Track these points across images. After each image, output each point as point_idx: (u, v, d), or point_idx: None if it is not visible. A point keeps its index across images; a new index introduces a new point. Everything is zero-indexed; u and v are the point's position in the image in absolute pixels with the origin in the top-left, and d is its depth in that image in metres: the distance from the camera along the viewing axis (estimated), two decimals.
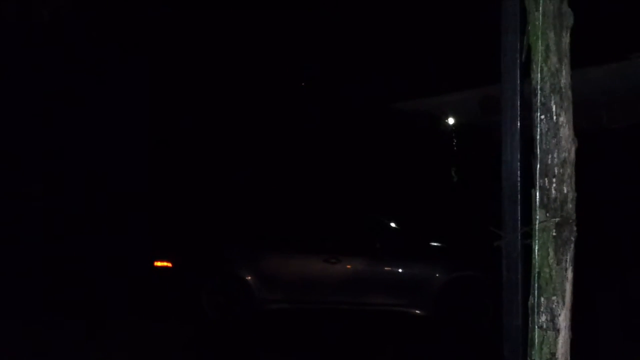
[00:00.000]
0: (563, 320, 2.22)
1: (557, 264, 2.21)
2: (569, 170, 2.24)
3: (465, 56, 12.16)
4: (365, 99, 15.06)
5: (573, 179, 2.25)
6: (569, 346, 2.25)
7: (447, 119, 9.69)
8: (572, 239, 2.23)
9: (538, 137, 2.24)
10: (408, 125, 13.18)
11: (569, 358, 2.25)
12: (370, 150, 15.27)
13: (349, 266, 9.68)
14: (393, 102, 10.03)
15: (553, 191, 2.23)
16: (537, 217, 2.23)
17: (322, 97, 15.90)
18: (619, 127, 8.13)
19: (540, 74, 2.24)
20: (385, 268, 9.74)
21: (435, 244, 10.31)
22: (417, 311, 9.50)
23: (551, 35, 2.25)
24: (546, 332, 2.22)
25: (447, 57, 13.65)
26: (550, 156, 2.23)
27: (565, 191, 2.23)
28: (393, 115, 11.09)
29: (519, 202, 2.32)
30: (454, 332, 9.16)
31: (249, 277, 9.66)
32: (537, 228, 2.23)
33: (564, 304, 2.22)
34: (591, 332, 7.05)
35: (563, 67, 2.25)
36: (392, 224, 10.44)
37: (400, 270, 9.73)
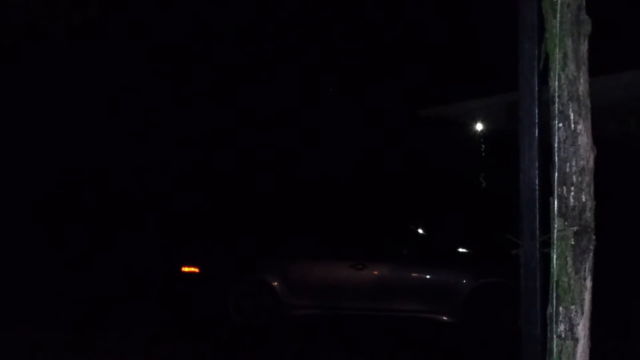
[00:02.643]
0: (582, 329, 2.20)
1: (576, 273, 2.19)
2: (587, 179, 2.22)
3: (493, 61, 12.10)
4: (392, 105, 15.04)
5: (592, 187, 2.23)
6: (588, 355, 2.22)
7: (474, 125, 9.63)
8: (591, 247, 2.21)
9: (556, 145, 2.23)
10: (435, 132, 13.15)
11: None
12: (397, 156, 15.24)
13: (375, 272, 9.67)
14: (420, 108, 10.00)
15: (571, 200, 2.21)
16: (555, 225, 2.21)
17: (350, 104, 15.91)
18: None
19: (558, 82, 2.23)
20: (412, 274, 9.72)
21: (462, 250, 10.26)
22: (445, 318, 9.46)
23: (569, 42, 2.23)
24: (565, 341, 2.19)
25: (473, 62, 13.59)
26: (568, 164, 2.21)
27: (583, 199, 2.21)
28: (420, 121, 11.06)
29: (537, 211, 2.31)
30: (482, 339, 9.10)
31: (276, 283, 9.70)
32: (555, 237, 2.21)
33: (582, 313, 2.20)
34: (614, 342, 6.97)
35: (581, 74, 2.23)
36: (419, 230, 10.41)
37: (427, 276, 9.70)
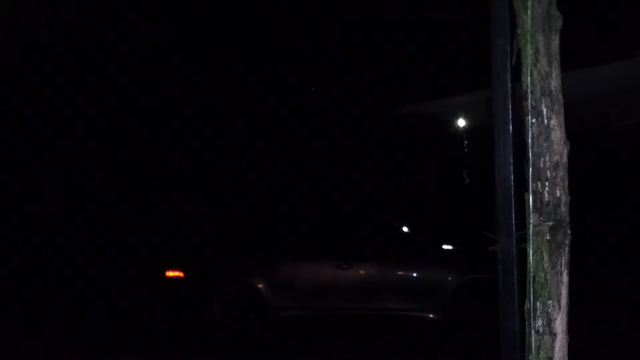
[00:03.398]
0: (559, 324, 2.21)
1: (552, 268, 2.20)
2: (561, 173, 2.22)
3: (473, 57, 12.13)
4: (374, 103, 15.04)
5: (566, 182, 2.24)
6: (566, 350, 2.23)
7: (455, 121, 9.63)
8: (567, 242, 2.22)
9: (530, 140, 2.23)
10: (417, 129, 13.16)
11: None
12: (380, 155, 15.25)
13: (361, 272, 9.67)
14: (402, 105, 9.99)
15: (546, 195, 2.21)
16: (531, 221, 2.22)
17: (331, 102, 15.90)
18: (627, 125, 8.07)
19: (531, 77, 2.24)
20: (398, 273, 9.73)
21: (447, 247, 10.28)
22: (430, 315, 9.48)
23: (540, 38, 2.24)
24: (543, 336, 2.20)
25: (454, 58, 13.62)
26: (542, 160, 2.22)
27: (558, 194, 2.22)
28: (402, 119, 11.07)
29: (512, 207, 2.31)
30: (468, 335, 9.11)
31: (261, 285, 9.67)
32: (531, 232, 2.22)
33: (560, 308, 2.20)
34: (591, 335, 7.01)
35: (553, 70, 2.24)
36: (404, 229, 10.42)
37: (412, 274, 9.71)
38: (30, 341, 8.82)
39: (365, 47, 15.17)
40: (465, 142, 10.77)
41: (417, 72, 14.42)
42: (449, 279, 9.48)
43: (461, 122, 10.18)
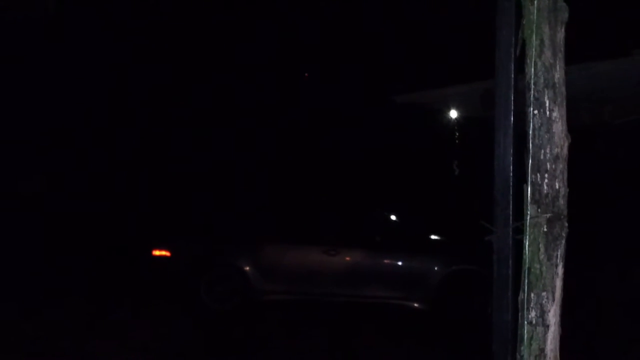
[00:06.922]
0: (553, 316, 2.21)
1: (548, 260, 2.20)
2: (561, 166, 2.22)
3: (469, 49, 12.13)
4: (366, 91, 15.03)
5: (565, 175, 2.24)
6: (558, 342, 2.24)
7: (448, 112, 9.64)
8: (563, 234, 2.22)
9: (531, 132, 2.23)
10: (409, 118, 13.17)
11: (558, 354, 2.24)
12: (371, 142, 15.25)
13: (348, 258, 9.67)
14: (394, 94, 9.98)
15: (545, 187, 2.21)
16: (529, 212, 2.22)
17: (324, 89, 15.87)
18: (620, 122, 8.11)
19: (534, 69, 2.23)
20: (385, 261, 9.73)
21: (435, 237, 10.30)
22: (416, 304, 9.50)
23: (546, 29, 2.23)
24: (535, 327, 2.21)
25: (450, 49, 13.61)
26: (542, 151, 2.21)
27: (557, 187, 2.21)
28: (394, 107, 11.06)
29: (510, 198, 2.31)
30: (453, 326, 9.16)
31: (248, 268, 9.65)
32: (528, 223, 2.22)
33: (553, 300, 2.21)
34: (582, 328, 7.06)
35: (557, 62, 2.23)
36: (393, 217, 10.43)
37: (399, 263, 9.72)
38: (18, 318, 8.80)
39: (362, 34, 15.13)
40: (457, 133, 10.80)
41: (413, 61, 14.40)
42: (436, 269, 9.50)
43: (453, 113, 10.22)
